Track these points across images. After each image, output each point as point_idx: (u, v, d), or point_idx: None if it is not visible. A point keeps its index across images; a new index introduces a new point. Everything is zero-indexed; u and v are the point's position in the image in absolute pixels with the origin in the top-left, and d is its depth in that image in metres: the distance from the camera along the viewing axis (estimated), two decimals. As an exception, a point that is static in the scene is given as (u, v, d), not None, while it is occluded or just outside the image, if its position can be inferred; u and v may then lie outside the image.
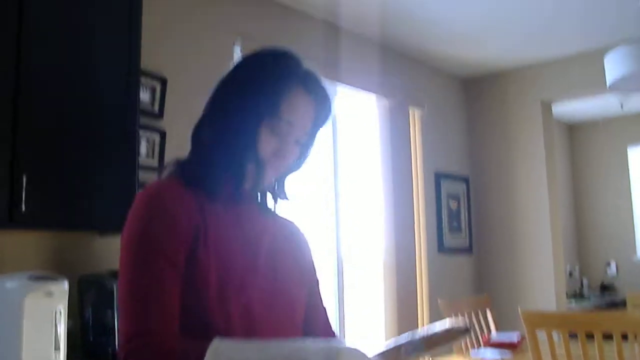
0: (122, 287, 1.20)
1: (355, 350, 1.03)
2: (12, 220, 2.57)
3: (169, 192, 1.26)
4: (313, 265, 1.52)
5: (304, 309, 1.43)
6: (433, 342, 1.18)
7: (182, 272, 1.22)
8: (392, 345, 1.18)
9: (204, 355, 1.05)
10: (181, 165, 1.35)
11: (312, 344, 1.04)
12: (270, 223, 1.43)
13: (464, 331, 1.18)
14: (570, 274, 7.27)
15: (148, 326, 1.15)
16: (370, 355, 1.05)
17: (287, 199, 1.46)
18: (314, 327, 1.47)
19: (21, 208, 2.55)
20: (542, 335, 3.10)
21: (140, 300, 1.17)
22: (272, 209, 1.45)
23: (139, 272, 1.19)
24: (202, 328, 1.21)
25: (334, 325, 1.56)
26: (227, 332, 1.21)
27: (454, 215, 5.62)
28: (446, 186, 5.54)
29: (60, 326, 2.52)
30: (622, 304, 5.86)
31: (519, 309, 3.15)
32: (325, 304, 1.53)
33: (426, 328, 1.19)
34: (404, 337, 1.22)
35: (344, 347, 1.03)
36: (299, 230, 1.52)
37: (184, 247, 1.22)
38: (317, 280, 1.52)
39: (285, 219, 1.51)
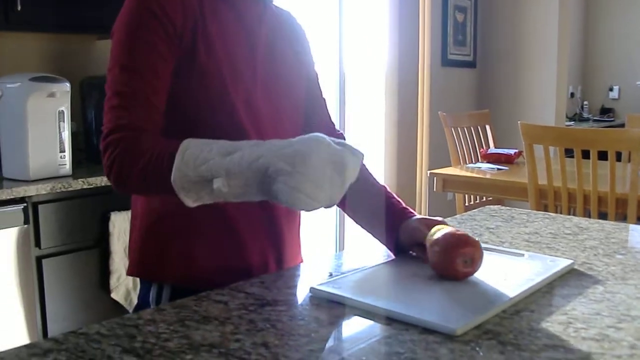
0: (108, 84, 1.18)
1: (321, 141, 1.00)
2: (8, 21, 2.52)
3: None
4: (311, 57, 1.48)
5: (304, 101, 1.42)
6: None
7: (171, 67, 1.19)
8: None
9: (175, 152, 1.05)
10: None
11: (278, 146, 1.02)
12: (267, 11, 1.35)
13: None
14: (572, 95, 7.26)
15: (127, 121, 1.14)
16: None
17: None
18: (314, 118, 1.46)
19: (17, 8, 2.49)
20: (539, 151, 3.15)
21: (123, 95, 1.15)
22: None
23: (123, 69, 1.16)
24: (208, 128, 1.20)
25: (335, 121, 1.52)
26: (233, 129, 1.22)
27: (460, 28, 5.49)
28: (453, -2, 5.38)
29: (64, 128, 2.55)
30: (621, 127, 5.91)
31: (519, 122, 3.18)
32: (324, 95, 1.51)
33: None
34: None
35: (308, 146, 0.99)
36: (295, 20, 1.46)
37: (177, 42, 1.18)
38: (316, 73, 1.49)
39: (281, 9, 1.43)
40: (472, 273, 1.11)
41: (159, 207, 1.28)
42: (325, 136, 1.01)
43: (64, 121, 2.54)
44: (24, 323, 2.37)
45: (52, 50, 2.96)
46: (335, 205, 1.45)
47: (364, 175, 1.42)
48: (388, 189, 1.40)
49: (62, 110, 2.53)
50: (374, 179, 1.43)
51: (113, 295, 2.60)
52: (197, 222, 1.26)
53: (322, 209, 1.02)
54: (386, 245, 1.33)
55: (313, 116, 1.45)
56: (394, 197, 1.37)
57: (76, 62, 3.02)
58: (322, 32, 4.38)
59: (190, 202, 1.06)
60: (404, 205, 1.35)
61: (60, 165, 2.54)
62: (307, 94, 1.44)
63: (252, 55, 1.28)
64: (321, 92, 1.50)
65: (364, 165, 1.44)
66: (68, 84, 2.54)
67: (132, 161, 1.10)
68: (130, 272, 1.34)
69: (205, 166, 1.02)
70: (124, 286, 2.61)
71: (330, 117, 1.51)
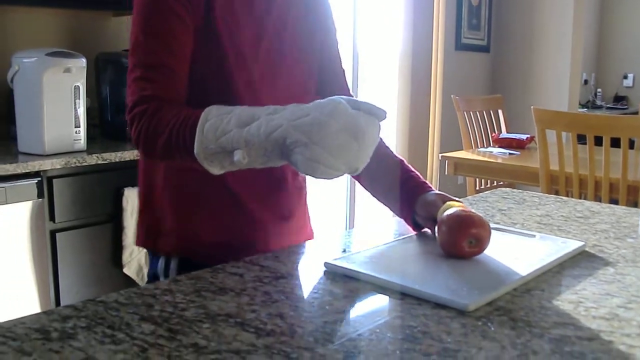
0: (130, 51, 1.19)
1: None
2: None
3: None
4: (332, 22, 1.45)
5: (315, 78, 1.40)
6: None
7: (192, 32, 1.19)
8: None
9: (196, 124, 1.06)
10: None
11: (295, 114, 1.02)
12: None
13: None
14: (586, 82, 7.21)
15: (150, 92, 1.15)
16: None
17: None
18: (330, 88, 1.42)
19: (34, -18, 2.51)
20: (551, 136, 3.14)
21: (146, 66, 1.16)
22: None
23: (146, 36, 1.17)
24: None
25: (351, 91, 1.50)
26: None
27: (474, 12, 5.46)
28: (469, -18, 5.35)
29: (79, 104, 2.56)
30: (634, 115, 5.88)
31: (532, 107, 3.17)
32: (343, 66, 1.48)
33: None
34: None
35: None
36: None
37: (194, 10, 1.18)
38: (336, 40, 1.45)
39: None
40: (479, 252, 1.11)
41: (167, 180, 1.30)
42: (342, 100, 1.01)
43: (79, 97, 2.55)
44: (37, 296, 2.41)
45: (69, 26, 2.97)
46: (351, 178, 1.45)
47: (381, 149, 1.40)
48: (406, 162, 1.39)
49: (78, 86, 2.54)
50: (391, 151, 1.41)
51: (125, 271, 2.63)
52: (201, 196, 1.28)
53: (345, 176, 1.03)
54: (403, 218, 1.33)
55: (328, 86, 1.42)
56: (413, 171, 1.36)
57: (92, 38, 3.03)
58: (337, 14, 4.36)
59: (216, 171, 1.08)
60: (422, 179, 1.35)
61: (75, 140, 2.56)
62: (322, 61, 1.41)
63: (260, 29, 1.27)
64: (340, 60, 1.47)
65: (380, 138, 1.44)
66: (84, 60, 2.55)
67: (157, 134, 1.12)
68: (137, 242, 1.38)
69: (224, 138, 1.03)
70: (136, 261, 2.64)
71: (348, 89, 1.47)
